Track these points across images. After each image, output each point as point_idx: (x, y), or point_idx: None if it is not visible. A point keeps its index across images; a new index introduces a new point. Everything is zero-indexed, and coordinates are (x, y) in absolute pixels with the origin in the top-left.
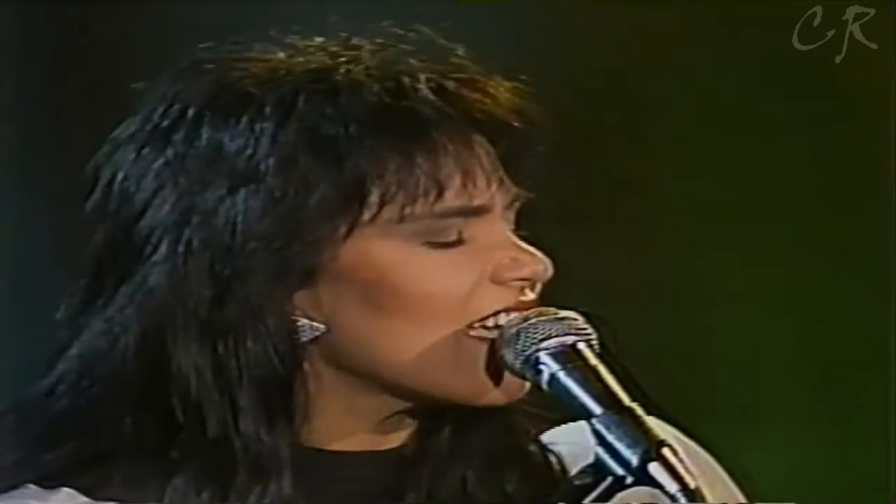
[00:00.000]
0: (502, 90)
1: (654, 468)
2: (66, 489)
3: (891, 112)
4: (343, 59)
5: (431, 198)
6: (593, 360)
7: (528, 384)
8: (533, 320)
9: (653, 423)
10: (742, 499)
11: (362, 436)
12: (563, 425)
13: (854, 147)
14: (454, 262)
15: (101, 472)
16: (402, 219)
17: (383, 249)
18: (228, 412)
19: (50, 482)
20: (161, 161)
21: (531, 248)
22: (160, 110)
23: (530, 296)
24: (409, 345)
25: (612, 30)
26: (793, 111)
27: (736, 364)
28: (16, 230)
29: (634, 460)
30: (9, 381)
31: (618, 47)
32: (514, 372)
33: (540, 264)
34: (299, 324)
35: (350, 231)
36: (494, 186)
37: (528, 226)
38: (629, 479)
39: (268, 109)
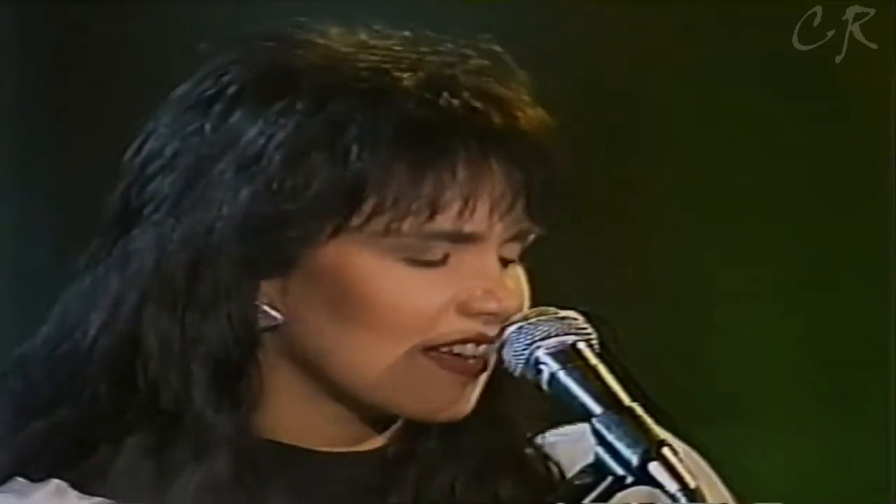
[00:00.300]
0: (539, 124)
1: (655, 468)
2: (54, 480)
3: (891, 112)
4: (401, 64)
5: (422, 218)
6: (593, 360)
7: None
8: (533, 320)
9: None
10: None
11: (340, 436)
12: (563, 426)
13: (854, 147)
14: (429, 282)
15: (89, 460)
16: (387, 232)
17: (361, 258)
18: (183, 386)
19: (38, 473)
20: (192, 128)
21: (511, 285)
22: (211, 79)
23: (492, 331)
24: (364, 357)
25: (612, 30)
26: (792, 111)
27: (736, 364)
28: (16, 230)
29: (634, 460)
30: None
31: (618, 47)
32: (514, 372)
33: (513, 301)
34: (260, 310)
35: (335, 233)
36: (497, 217)
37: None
38: (629, 479)
39: (300, 104)
